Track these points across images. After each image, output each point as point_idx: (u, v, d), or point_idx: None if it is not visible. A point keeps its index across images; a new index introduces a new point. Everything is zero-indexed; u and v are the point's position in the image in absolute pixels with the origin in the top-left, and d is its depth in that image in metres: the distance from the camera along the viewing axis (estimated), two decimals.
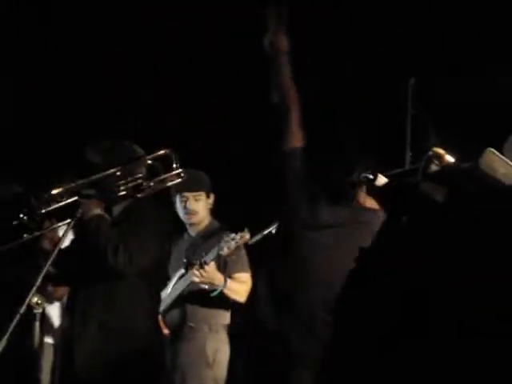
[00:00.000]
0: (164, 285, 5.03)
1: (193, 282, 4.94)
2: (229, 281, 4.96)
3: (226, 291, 4.96)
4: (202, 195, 5.14)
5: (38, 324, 4.36)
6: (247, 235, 4.87)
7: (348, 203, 3.62)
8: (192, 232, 5.22)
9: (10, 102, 6.26)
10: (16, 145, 6.03)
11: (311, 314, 3.54)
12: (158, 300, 3.92)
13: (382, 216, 3.46)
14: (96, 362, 3.72)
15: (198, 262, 4.88)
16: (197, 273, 4.86)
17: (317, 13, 5.91)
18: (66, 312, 3.95)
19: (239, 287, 5.03)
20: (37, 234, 3.68)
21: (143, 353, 3.75)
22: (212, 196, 5.21)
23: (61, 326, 4.02)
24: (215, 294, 4.97)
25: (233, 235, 4.89)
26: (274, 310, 3.66)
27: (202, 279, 4.89)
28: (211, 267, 4.88)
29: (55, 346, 4.76)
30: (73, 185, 3.72)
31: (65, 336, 3.85)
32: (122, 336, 3.74)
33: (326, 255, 3.58)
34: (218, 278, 4.92)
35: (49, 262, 3.53)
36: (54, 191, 3.71)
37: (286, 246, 3.77)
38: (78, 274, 3.80)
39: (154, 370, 3.79)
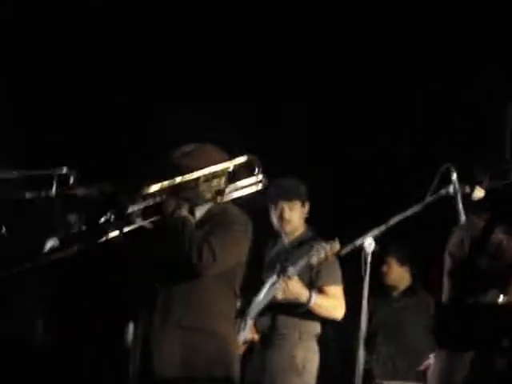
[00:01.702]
0: (254, 289, 5.07)
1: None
2: (314, 297, 4.91)
3: (312, 307, 4.94)
4: (297, 204, 5.12)
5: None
6: (337, 245, 4.81)
7: None
8: (286, 239, 5.21)
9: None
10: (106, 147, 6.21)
11: None
12: (235, 303, 3.95)
13: None
14: (173, 363, 3.76)
15: (284, 274, 4.85)
16: (280, 287, 4.85)
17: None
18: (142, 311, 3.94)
19: (328, 303, 4.98)
20: (122, 232, 3.74)
21: (220, 355, 3.79)
22: (307, 204, 5.18)
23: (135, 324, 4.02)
24: (301, 310, 4.94)
25: (323, 244, 4.86)
26: None
27: (286, 295, 4.87)
28: (295, 284, 4.85)
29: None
30: (163, 186, 3.77)
31: (142, 336, 3.88)
32: (200, 337, 3.78)
33: None
34: (303, 294, 4.90)
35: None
36: (146, 191, 3.75)
37: None
38: (158, 273, 3.86)
39: (229, 373, 3.83)
